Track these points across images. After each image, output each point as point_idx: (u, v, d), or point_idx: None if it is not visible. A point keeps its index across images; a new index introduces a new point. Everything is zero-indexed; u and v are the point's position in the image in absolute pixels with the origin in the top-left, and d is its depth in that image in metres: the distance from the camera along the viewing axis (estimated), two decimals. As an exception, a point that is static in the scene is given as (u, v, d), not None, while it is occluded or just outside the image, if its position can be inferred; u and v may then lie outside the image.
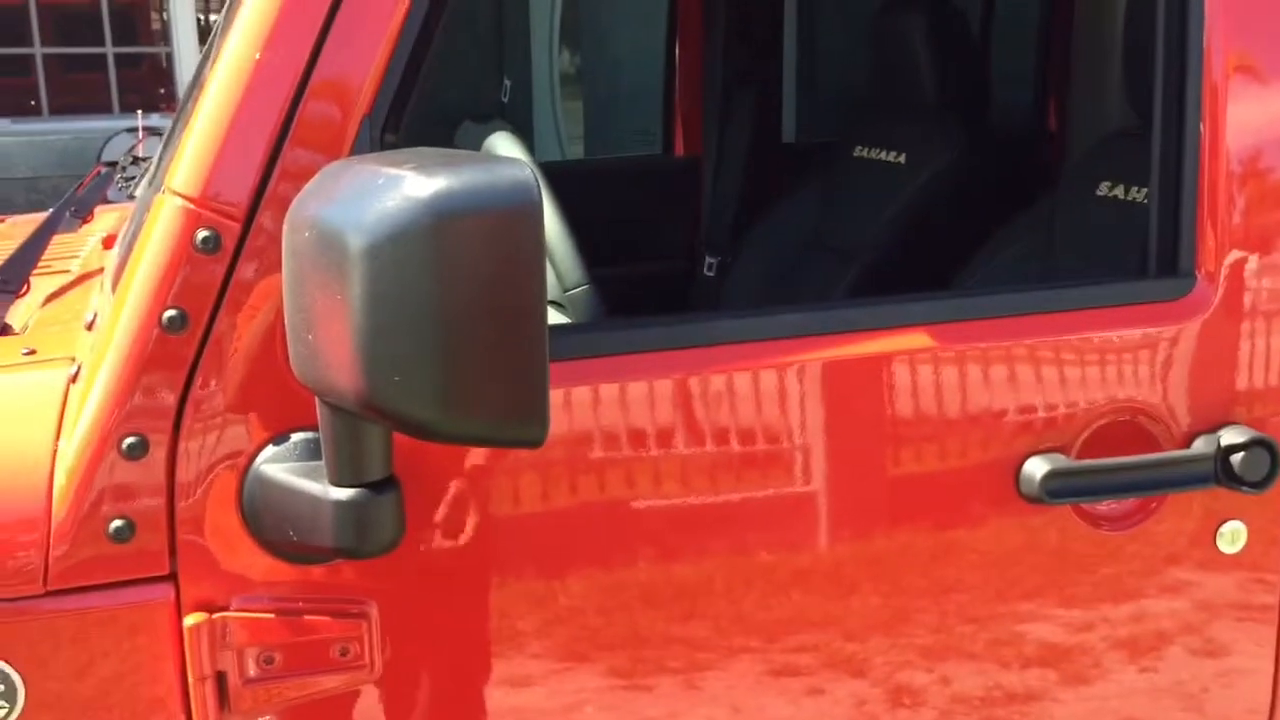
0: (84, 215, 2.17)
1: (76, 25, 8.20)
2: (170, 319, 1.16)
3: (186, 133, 1.20)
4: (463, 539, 1.26)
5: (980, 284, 2.13)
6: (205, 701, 1.19)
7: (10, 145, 7.84)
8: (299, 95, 1.17)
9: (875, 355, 1.34)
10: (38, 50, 8.06)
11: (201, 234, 1.16)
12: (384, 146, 1.21)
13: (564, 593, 1.30)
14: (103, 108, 8.00)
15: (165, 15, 8.59)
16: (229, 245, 1.17)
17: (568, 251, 1.53)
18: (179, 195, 1.17)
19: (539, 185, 0.97)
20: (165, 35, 8.63)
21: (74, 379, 1.24)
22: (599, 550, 1.30)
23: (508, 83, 7.44)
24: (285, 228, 1.06)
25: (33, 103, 8.30)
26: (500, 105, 8.16)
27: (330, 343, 1.01)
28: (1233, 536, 1.44)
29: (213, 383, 1.18)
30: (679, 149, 3.22)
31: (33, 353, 1.33)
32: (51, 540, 1.16)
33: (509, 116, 8.24)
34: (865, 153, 2.84)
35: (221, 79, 1.18)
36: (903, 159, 2.73)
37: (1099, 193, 2.05)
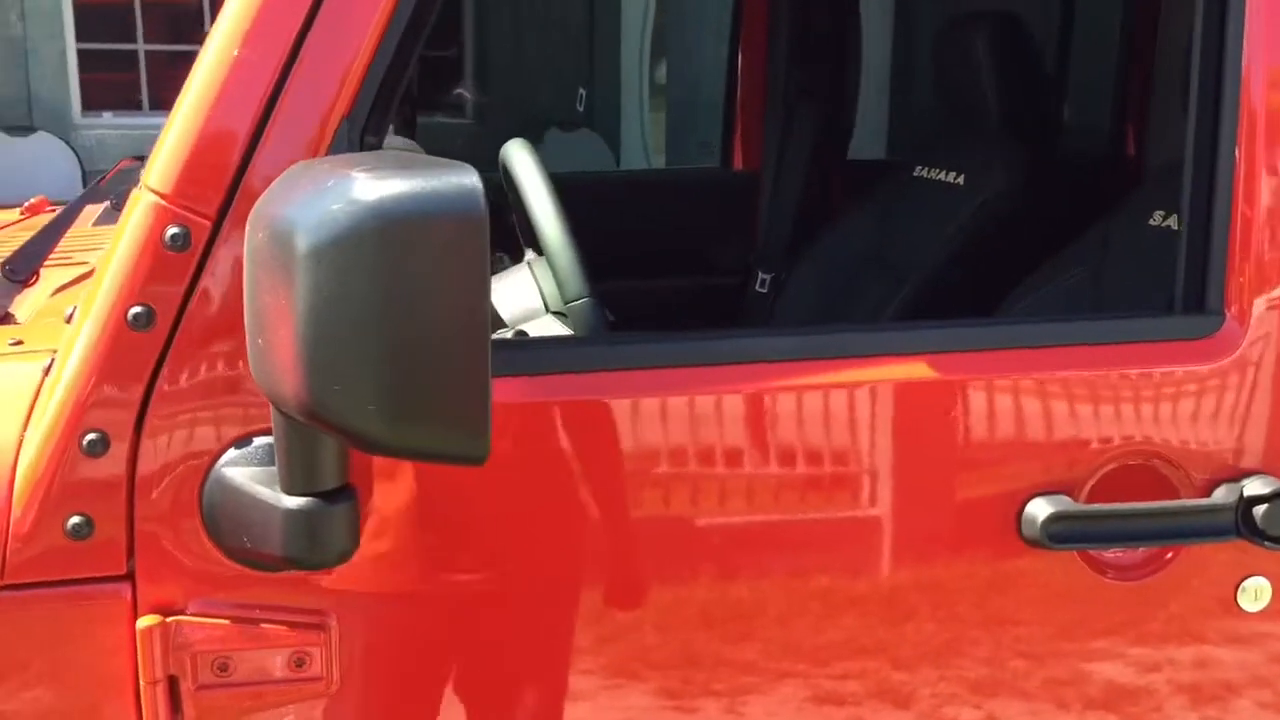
0: (123, 206, 2.18)
1: (179, 22, 8.42)
2: (136, 315, 1.15)
3: (165, 128, 1.19)
4: (426, 553, 1.22)
5: (1025, 312, 2.05)
6: (156, 705, 1.17)
7: (111, 138, 8.08)
8: (276, 95, 1.15)
9: (888, 382, 1.28)
10: (140, 46, 8.29)
11: (171, 231, 1.14)
12: (364, 148, 1.18)
13: (536, 611, 1.26)
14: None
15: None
16: (198, 243, 1.15)
17: (571, 262, 1.49)
18: (152, 191, 1.16)
19: (484, 193, 0.94)
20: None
21: (48, 371, 1.23)
22: (568, 568, 1.26)
23: (583, 92, 7.46)
24: (247, 227, 1.04)
25: (136, 97, 8.54)
26: (586, 114, 8.20)
27: (276, 347, 0.99)
28: (1256, 593, 1.35)
29: (177, 382, 1.16)
30: (739, 163, 3.17)
31: (19, 343, 1.33)
32: (10, 533, 1.15)
33: (596, 126, 8.28)
34: (925, 173, 2.76)
35: (201, 75, 1.17)
36: (961, 180, 2.65)
37: (1151, 222, 1.96)
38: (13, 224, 2.27)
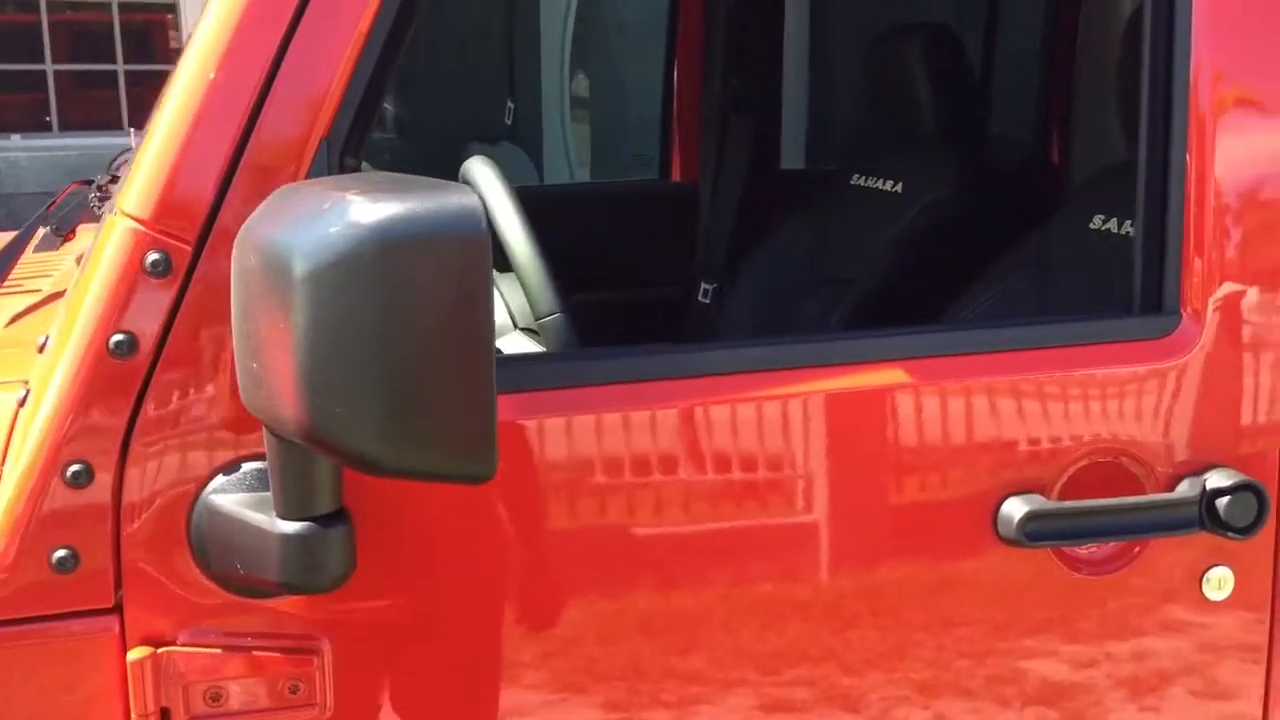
0: (66, 233, 2.15)
1: (88, 42, 8.25)
2: (118, 343, 1.13)
3: (140, 153, 1.18)
4: (421, 572, 1.22)
5: (973, 317, 2.10)
6: (148, 738, 1.15)
7: (21, 160, 7.88)
8: (254, 118, 1.15)
9: (857, 390, 1.30)
10: (49, 67, 8.11)
11: (152, 257, 1.13)
12: (344, 170, 1.18)
13: (537, 627, 1.26)
14: (113, 124, 8.03)
15: (180, 32, 8.64)
16: (180, 268, 1.14)
17: (541, 278, 1.50)
18: (130, 217, 1.15)
19: (486, 214, 0.95)
20: (180, 54, 8.67)
21: (22, 403, 1.21)
22: (561, 585, 1.27)
23: (511, 105, 7.45)
24: (234, 251, 1.03)
25: (45, 119, 8.34)
26: (509, 127, 8.17)
27: (274, 371, 0.98)
28: (1219, 583, 1.40)
29: (161, 409, 1.15)
30: (676, 174, 3.20)
31: (-14, 375, 1.30)
32: None
33: (518, 139, 8.25)
34: (863, 181, 2.81)
35: (176, 98, 1.16)
36: (900, 188, 2.70)
37: (1092, 226, 2.01)
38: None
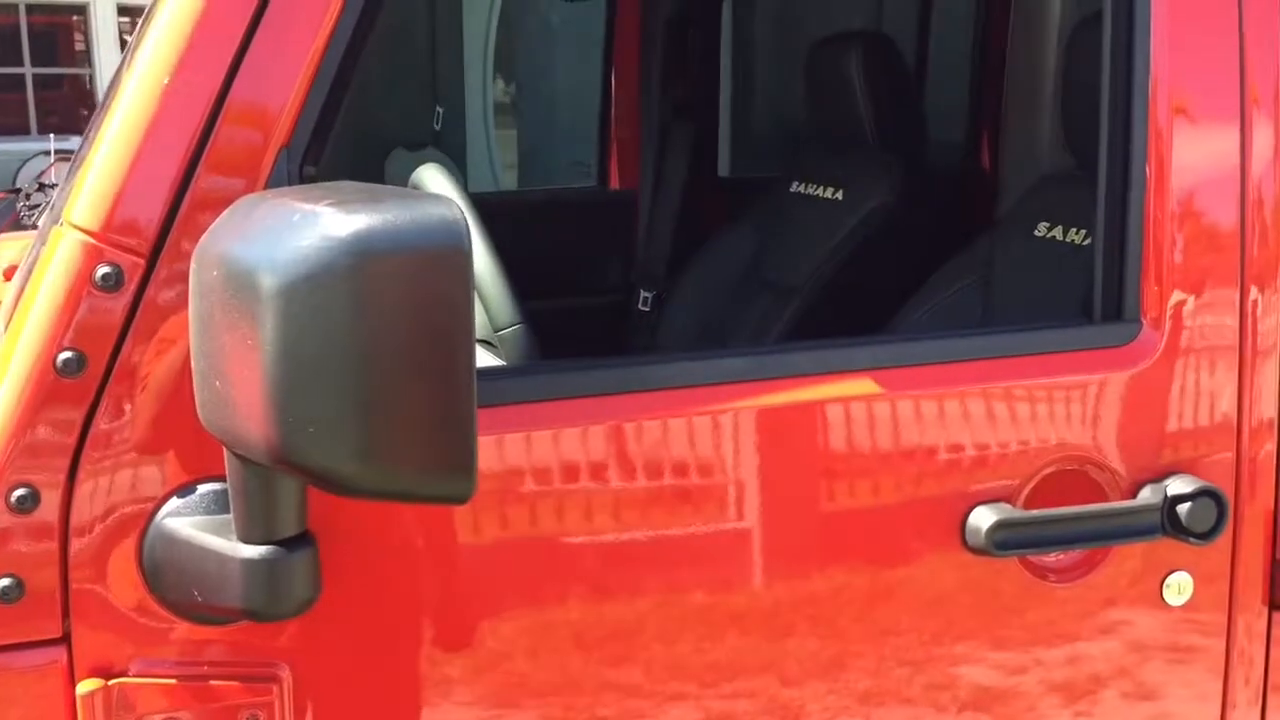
0: (-14, 243, 2.07)
1: (-2, 46, 8.01)
2: (66, 361, 1.08)
3: (87, 162, 1.12)
4: (380, 593, 1.18)
5: (920, 325, 2.10)
6: (100, 775, 1.10)
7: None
8: (210, 125, 1.10)
9: (820, 401, 1.29)
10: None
11: (102, 270, 1.08)
12: (303, 180, 1.14)
13: (490, 641, 1.22)
14: (20, 129, 7.80)
15: (88, 36, 8.43)
16: (132, 282, 1.09)
17: (500, 289, 1.47)
18: (78, 229, 1.09)
19: (467, 224, 0.91)
20: (87, 56, 8.46)
21: (-39, 424, 1.14)
22: (528, 600, 1.24)
23: (440, 110, 7.38)
24: (193, 265, 0.99)
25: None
26: (433, 133, 8.09)
27: (240, 390, 0.94)
28: (1179, 588, 1.41)
29: (112, 430, 1.10)
30: (614, 182, 3.17)
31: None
32: None
33: (442, 145, 8.17)
34: (803, 189, 2.81)
35: (127, 105, 1.11)
36: (841, 195, 2.71)
37: (1037, 233, 2.03)
38: None
